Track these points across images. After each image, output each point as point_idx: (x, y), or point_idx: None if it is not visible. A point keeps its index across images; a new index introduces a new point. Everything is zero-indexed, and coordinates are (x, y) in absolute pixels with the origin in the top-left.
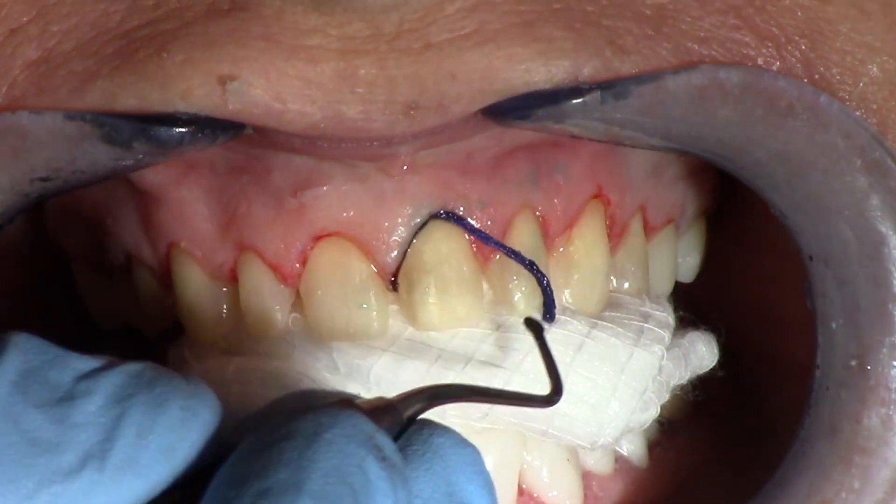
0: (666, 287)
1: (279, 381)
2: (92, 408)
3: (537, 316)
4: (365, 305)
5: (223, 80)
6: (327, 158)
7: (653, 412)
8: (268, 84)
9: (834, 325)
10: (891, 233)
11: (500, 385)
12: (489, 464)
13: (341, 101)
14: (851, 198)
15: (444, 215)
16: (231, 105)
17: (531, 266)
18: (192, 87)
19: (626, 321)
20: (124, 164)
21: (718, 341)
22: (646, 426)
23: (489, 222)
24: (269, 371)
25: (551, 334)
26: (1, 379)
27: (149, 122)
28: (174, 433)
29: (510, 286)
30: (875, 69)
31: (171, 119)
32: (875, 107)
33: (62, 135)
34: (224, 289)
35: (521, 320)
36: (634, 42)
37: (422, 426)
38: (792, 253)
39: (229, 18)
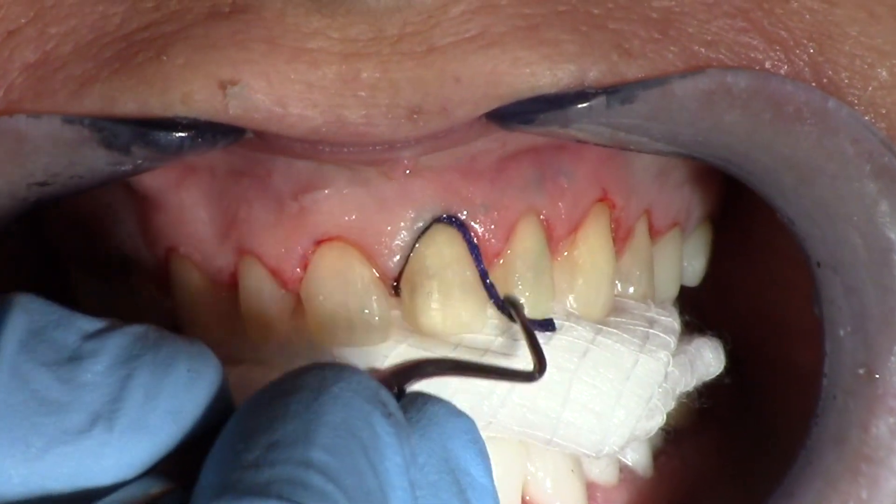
0: (671, 292)
1: None
2: (99, 368)
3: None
4: (367, 311)
5: (224, 85)
6: (329, 162)
7: (658, 420)
8: (269, 88)
9: (842, 333)
10: None
11: (504, 390)
12: None
13: (343, 105)
14: (860, 204)
15: (446, 220)
16: (232, 109)
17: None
18: (192, 92)
19: (631, 326)
20: (123, 168)
21: (725, 348)
22: (651, 434)
23: (493, 226)
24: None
25: (555, 341)
26: (9, 338)
27: (148, 127)
28: (181, 394)
29: (514, 290)
30: (884, 73)
31: (171, 124)
32: (884, 111)
33: (60, 139)
34: (224, 294)
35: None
36: (641, 46)
37: (415, 396)
38: (798, 258)
39: (230, 21)
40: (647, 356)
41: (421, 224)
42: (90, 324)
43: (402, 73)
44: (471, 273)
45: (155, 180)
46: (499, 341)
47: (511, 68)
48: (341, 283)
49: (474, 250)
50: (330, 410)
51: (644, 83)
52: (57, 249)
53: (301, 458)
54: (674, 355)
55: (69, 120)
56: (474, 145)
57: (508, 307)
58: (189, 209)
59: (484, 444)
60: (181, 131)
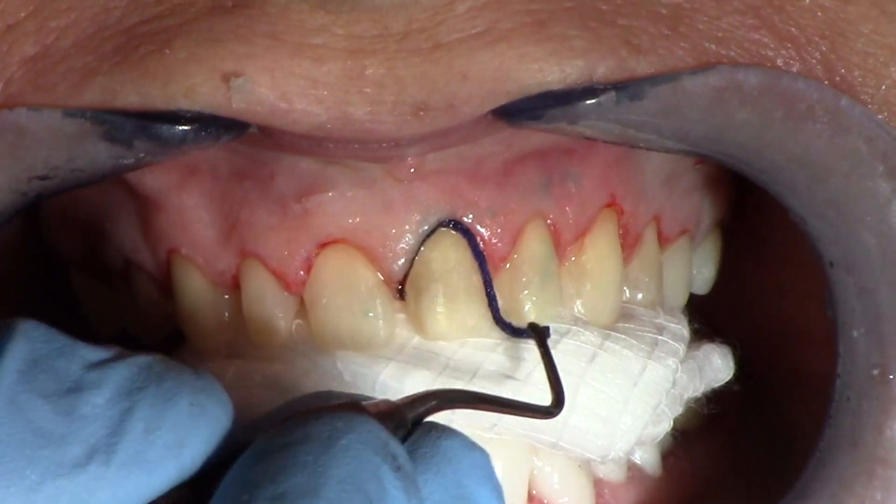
0: (680, 299)
1: (280, 385)
2: (100, 400)
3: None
4: (371, 314)
5: (227, 78)
6: (333, 161)
7: (665, 426)
8: (273, 82)
9: (855, 334)
10: None
11: (509, 393)
12: (498, 469)
13: (348, 102)
14: (873, 203)
15: (451, 224)
16: (235, 103)
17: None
18: (195, 85)
19: (639, 333)
20: (125, 162)
21: (734, 354)
22: (658, 439)
23: (499, 231)
24: (269, 374)
25: (563, 345)
26: (7, 367)
27: (150, 120)
28: (182, 429)
29: (521, 296)
30: None
31: (174, 117)
32: None
33: (61, 132)
34: (226, 296)
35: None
36: (650, 41)
37: (429, 429)
38: (809, 264)
39: (233, 15)
40: (655, 362)
41: (426, 227)
42: (94, 353)
43: (407, 70)
44: (476, 277)
45: (156, 181)
46: (503, 346)
47: (518, 64)
48: (345, 286)
49: (479, 257)
50: (339, 463)
51: (653, 79)
52: (56, 251)
53: None
54: (682, 361)
55: (70, 113)
56: (480, 147)
57: (531, 334)
58: (191, 211)
59: (498, 479)
60: (184, 124)
